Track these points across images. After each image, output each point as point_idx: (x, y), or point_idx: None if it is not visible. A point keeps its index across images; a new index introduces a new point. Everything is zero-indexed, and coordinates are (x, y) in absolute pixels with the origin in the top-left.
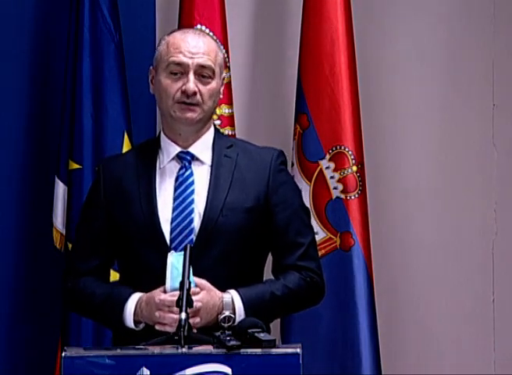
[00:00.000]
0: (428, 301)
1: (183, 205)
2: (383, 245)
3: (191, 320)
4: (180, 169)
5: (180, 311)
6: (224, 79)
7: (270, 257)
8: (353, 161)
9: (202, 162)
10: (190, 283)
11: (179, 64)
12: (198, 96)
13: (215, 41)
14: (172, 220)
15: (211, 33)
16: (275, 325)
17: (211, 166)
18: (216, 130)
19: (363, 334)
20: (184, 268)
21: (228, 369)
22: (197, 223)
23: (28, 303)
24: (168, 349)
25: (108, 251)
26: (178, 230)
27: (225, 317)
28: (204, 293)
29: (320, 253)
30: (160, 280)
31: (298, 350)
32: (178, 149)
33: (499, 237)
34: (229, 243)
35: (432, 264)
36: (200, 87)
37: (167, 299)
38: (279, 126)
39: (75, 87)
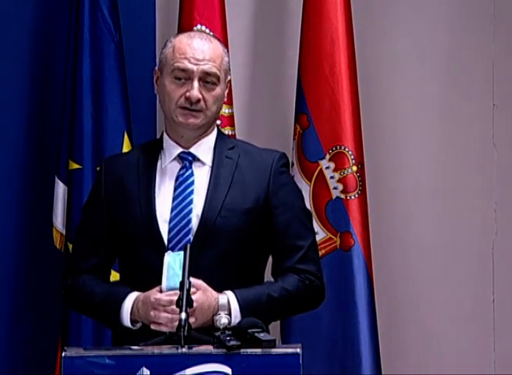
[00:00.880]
0: (428, 301)
1: (182, 205)
2: (383, 245)
3: None
4: (181, 169)
5: (180, 311)
6: (228, 82)
7: (270, 259)
8: (353, 161)
9: (203, 163)
10: (189, 283)
11: (183, 70)
12: (202, 103)
13: (221, 45)
14: (171, 220)
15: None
16: (275, 325)
17: (212, 167)
18: (219, 132)
19: (363, 334)
20: (184, 267)
21: (228, 369)
22: (194, 224)
23: (28, 303)
24: (168, 349)
25: (109, 250)
26: (176, 230)
27: (220, 318)
28: (200, 293)
29: (320, 253)
30: (159, 280)
31: (298, 350)
32: (180, 149)
33: (499, 237)
34: (227, 244)
35: (432, 264)
36: (205, 93)
37: (162, 299)
38: (279, 126)
39: (75, 87)
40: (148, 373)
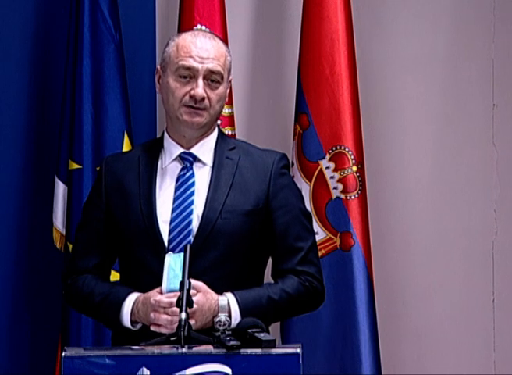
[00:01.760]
0: (428, 301)
1: (183, 207)
2: (383, 245)
3: None
4: (182, 169)
5: (180, 311)
6: (230, 82)
7: (270, 261)
8: (353, 161)
9: (204, 164)
10: (189, 283)
11: (188, 68)
12: (206, 101)
13: (224, 44)
14: (171, 221)
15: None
16: (275, 325)
17: (212, 168)
18: (220, 132)
19: (363, 334)
20: (184, 268)
21: (228, 369)
22: (195, 225)
23: (28, 303)
24: (168, 349)
25: (108, 250)
26: (176, 231)
27: (220, 320)
28: (200, 295)
29: (320, 253)
30: (158, 281)
31: (298, 350)
32: (180, 150)
33: (499, 237)
34: (227, 245)
35: (432, 264)
36: (209, 92)
37: (162, 300)
38: (279, 126)
39: (75, 87)
40: (148, 373)
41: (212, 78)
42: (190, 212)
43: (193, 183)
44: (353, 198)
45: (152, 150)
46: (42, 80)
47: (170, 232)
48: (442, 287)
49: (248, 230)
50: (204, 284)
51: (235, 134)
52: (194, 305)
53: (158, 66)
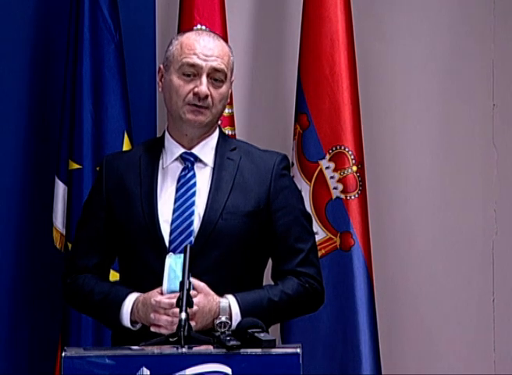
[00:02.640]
0: (428, 301)
1: (184, 207)
2: (383, 245)
3: None
4: (183, 170)
5: (180, 311)
6: (232, 82)
7: (270, 262)
8: (353, 161)
9: (205, 164)
10: (190, 283)
11: (192, 65)
12: (209, 99)
13: (228, 44)
14: (172, 222)
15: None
16: (275, 325)
17: (213, 168)
18: (221, 133)
19: (363, 334)
20: (184, 268)
21: (228, 369)
22: (196, 226)
23: (28, 303)
24: (168, 349)
25: (108, 250)
26: (177, 231)
27: (221, 322)
28: (201, 296)
29: (320, 253)
30: (159, 281)
31: (298, 350)
32: (182, 150)
33: (499, 237)
34: (228, 246)
35: (432, 264)
36: (212, 90)
37: (163, 301)
38: (279, 126)
39: (75, 87)
40: (148, 373)
41: (216, 77)
42: (192, 213)
43: (194, 184)
44: (353, 198)
45: (153, 149)
46: (42, 80)
47: (171, 232)
48: (442, 287)
49: (249, 231)
50: (206, 285)
51: (235, 134)
52: (195, 306)
53: (161, 65)
